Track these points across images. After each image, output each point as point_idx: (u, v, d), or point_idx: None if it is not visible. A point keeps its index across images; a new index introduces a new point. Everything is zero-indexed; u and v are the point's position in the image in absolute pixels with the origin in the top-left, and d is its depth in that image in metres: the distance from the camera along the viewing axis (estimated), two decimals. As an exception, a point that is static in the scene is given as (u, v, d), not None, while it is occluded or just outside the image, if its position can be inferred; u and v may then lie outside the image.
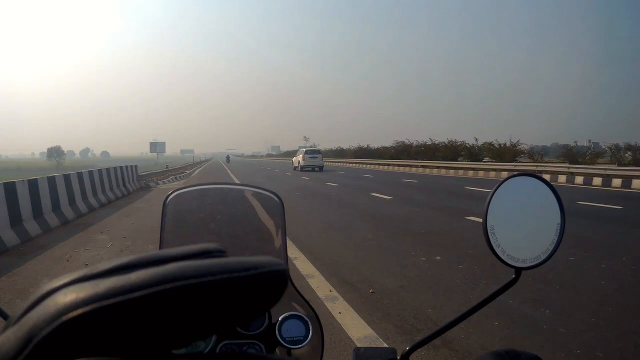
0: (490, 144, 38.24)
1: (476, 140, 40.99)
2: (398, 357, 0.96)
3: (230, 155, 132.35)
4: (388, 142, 63.67)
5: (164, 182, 25.08)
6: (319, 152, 42.46)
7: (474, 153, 39.56)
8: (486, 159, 38.18)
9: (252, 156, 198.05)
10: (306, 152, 41.12)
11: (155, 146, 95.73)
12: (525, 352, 0.82)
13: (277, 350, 1.17)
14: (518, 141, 36.25)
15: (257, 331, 1.13)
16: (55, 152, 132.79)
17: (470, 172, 32.06)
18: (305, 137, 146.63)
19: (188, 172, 38.58)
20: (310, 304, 1.18)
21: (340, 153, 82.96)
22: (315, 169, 39.23)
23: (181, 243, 1.23)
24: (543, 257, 0.89)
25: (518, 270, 0.89)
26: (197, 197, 1.33)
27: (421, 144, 48.69)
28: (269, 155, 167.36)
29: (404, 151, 50.92)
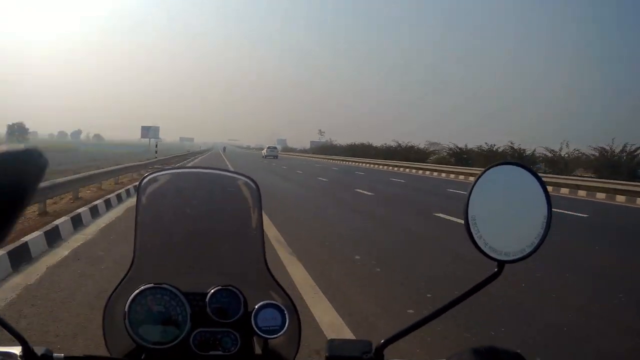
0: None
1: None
2: (373, 350, 0.96)
3: (226, 147, 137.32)
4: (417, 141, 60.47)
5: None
6: (275, 147, 78.90)
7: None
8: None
9: (259, 149, 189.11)
10: (268, 147, 74.68)
11: (148, 131, 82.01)
12: (506, 349, 0.82)
13: (254, 338, 1.18)
14: None
15: (232, 319, 1.15)
16: (17, 130, 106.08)
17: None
18: (320, 130, 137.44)
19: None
20: (287, 292, 1.18)
21: (331, 150, 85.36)
22: (274, 157, 66.56)
23: (157, 228, 1.30)
24: (528, 250, 0.87)
25: (501, 264, 0.87)
26: (172, 181, 1.35)
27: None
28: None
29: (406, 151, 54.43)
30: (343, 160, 65.52)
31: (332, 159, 71.12)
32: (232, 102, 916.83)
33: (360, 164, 56.09)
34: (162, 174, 1.30)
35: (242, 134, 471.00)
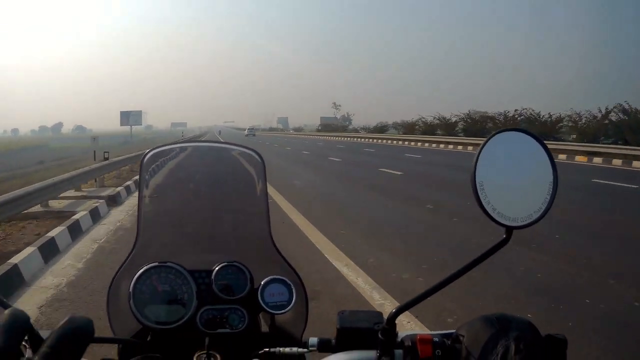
0: None
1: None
2: (384, 320, 0.95)
3: (221, 130, 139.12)
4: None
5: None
6: (253, 128, 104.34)
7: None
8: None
9: (270, 130, 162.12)
10: (247, 129, 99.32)
11: (128, 117, 75.82)
12: (517, 317, 0.86)
13: (260, 315, 1.22)
14: None
15: (239, 296, 1.17)
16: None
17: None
18: (335, 104, 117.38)
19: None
20: (294, 267, 1.21)
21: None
22: (252, 135, 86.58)
23: (160, 205, 1.32)
24: (535, 216, 0.89)
25: (509, 230, 0.89)
26: (175, 156, 1.34)
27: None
28: (273, 130, 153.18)
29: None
30: (350, 137, 61.97)
31: (341, 137, 65.94)
32: (227, 83, 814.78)
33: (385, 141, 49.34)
34: (165, 149, 1.30)
35: (239, 115, 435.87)
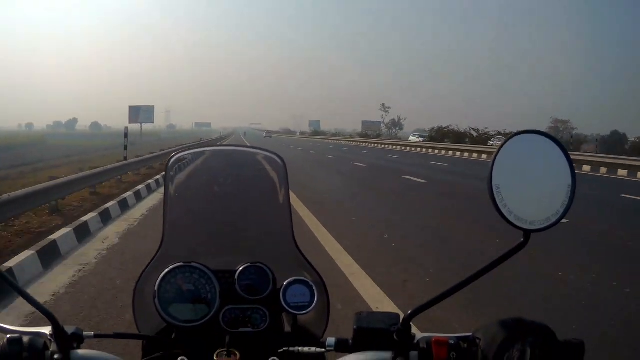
0: None
1: None
2: (400, 322, 0.98)
3: (246, 132, 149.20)
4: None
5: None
6: (271, 131, 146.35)
7: None
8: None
9: (285, 133, 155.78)
10: (265, 132, 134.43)
11: (138, 113, 65.75)
12: (534, 322, 0.88)
13: (283, 315, 1.26)
14: None
15: (261, 296, 1.20)
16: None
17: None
18: (384, 105, 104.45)
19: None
20: (316, 268, 1.26)
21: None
22: (269, 137, 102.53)
23: (185, 207, 1.38)
24: (553, 219, 0.89)
25: (527, 233, 0.88)
26: (199, 159, 1.46)
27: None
28: (318, 133, 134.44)
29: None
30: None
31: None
32: (255, 85, 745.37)
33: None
34: (189, 153, 1.38)
35: (266, 117, 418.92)
